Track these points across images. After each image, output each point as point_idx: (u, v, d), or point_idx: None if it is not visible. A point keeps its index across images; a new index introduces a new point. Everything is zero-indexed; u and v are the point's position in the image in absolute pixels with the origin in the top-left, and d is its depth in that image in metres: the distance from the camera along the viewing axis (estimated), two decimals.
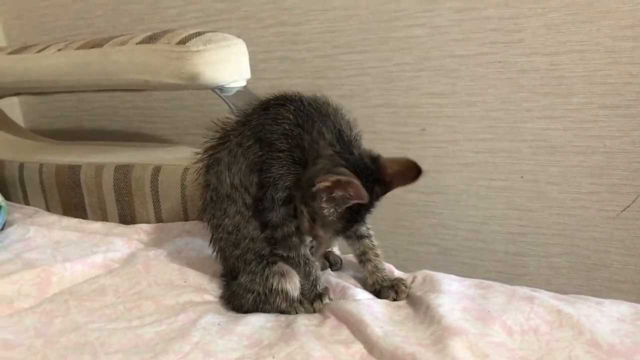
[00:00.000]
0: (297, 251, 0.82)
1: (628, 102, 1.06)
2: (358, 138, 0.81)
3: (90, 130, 1.73)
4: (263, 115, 0.81)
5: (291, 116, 0.79)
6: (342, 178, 0.72)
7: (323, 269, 0.93)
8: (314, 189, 0.74)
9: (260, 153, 0.79)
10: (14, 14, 1.72)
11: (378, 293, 0.85)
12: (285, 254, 0.82)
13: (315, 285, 0.84)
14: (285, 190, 0.79)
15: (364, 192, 0.72)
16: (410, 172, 0.77)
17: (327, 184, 0.73)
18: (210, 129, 0.86)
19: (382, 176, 0.77)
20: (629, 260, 1.14)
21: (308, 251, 0.85)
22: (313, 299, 0.83)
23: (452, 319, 0.70)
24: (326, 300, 0.83)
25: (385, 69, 1.25)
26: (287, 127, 0.79)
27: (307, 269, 0.83)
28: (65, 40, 1.21)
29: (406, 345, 0.67)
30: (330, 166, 0.75)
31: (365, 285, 0.88)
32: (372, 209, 0.80)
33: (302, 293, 0.83)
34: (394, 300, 0.83)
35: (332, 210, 0.76)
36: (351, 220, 0.79)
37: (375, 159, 0.79)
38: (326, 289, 0.85)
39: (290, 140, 0.78)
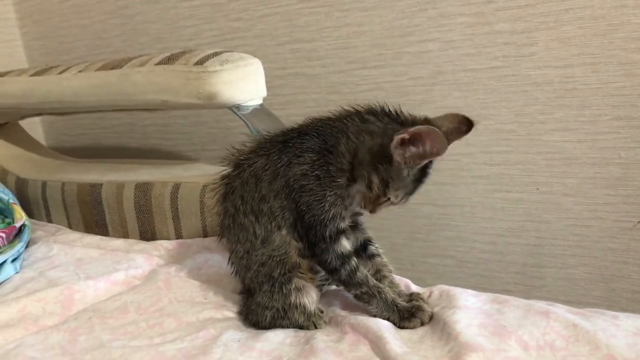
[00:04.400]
0: (367, 284, 0.81)
1: None
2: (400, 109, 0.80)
3: (109, 147, 1.76)
4: (284, 152, 0.80)
5: (315, 139, 0.79)
6: (423, 128, 0.72)
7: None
8: (393, 143, 0.74)
9: (288, 189, 0.79)
10: (35, 35, 1.77)
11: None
12: (357, 292, 0.81)
13: (397, 305, 0.80)
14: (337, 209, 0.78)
15: (444, 142, 0.71)
16: (462, 125, 0.79)
17: (406, 135, 0.72)
18: (225, 158, 0.87)
19: None
20: None
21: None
22: (409, 317, 0.80)
23: (469, 335, 0.70)
24: (425, 307, 0.81)
25: (399, 84, 1.26)
26: (317, 147, 0.79)
27: (384, 296, 0.80)
28: (86, 62, 1.24)
29: None
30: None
31: None
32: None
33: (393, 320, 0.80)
34: (422, 325, 0.80)
35: (410, 165, 0.75)
36: (421, 177, 0.78)
37: (428, 120, 0.78)
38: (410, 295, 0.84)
39: (327, 157, 0.78)
